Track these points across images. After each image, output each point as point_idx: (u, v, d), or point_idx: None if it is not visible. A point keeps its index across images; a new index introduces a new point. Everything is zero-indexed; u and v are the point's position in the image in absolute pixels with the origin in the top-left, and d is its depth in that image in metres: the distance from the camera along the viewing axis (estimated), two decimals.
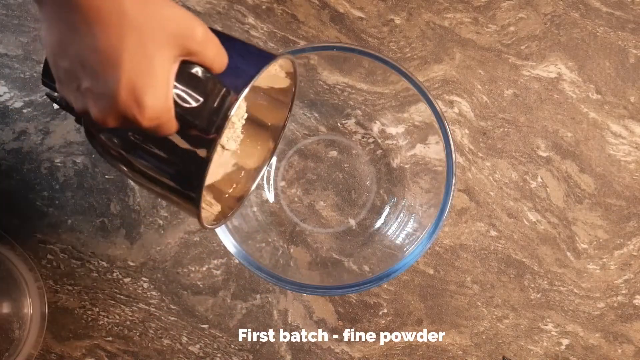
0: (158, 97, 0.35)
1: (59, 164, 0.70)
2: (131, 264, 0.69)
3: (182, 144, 0.40)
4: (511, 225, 0.69)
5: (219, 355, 0.68)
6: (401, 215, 0.67)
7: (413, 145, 0.66)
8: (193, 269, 0.69)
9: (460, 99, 0.71)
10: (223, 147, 0.50)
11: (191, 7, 0.71)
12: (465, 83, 0.71)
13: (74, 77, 0.35)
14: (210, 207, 0.51)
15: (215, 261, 0.69)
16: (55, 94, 0.40)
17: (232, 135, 0.50)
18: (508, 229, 0.69)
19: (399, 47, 0.71)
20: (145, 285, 0.69)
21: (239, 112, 0.50)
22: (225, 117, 0.38)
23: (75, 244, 0.69)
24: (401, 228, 0.66)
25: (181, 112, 0.37)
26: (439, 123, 0.59)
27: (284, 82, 0.51)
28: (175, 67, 0.36)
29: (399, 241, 0.64)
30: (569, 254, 0.69)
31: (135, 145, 0.42)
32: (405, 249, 0.60)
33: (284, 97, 0.52)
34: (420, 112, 0.61)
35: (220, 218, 0.51)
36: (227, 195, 0.54)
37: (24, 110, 0.70)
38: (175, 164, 0.42)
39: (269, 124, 0.54)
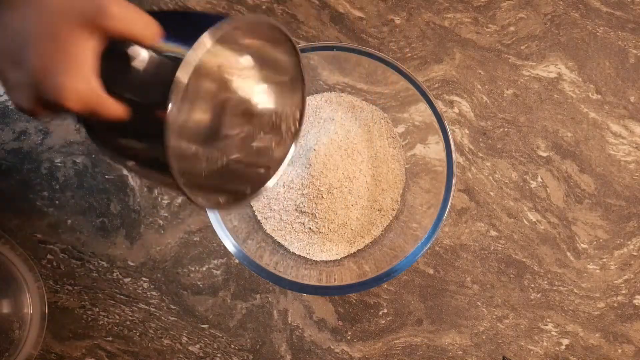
0: (78, 78, 0.34)
1: (59, 164, 0.70)
2: (131, 264, 0.69)
3: (145, 124, 0.37)
4: (511, 225, 0.69)
5: (219, 355, 0.68)
6: (401, 215, 0.67)
7: (413, 145, 0.66)
8: (193, 269, 0.69)
9: (460, 99, 0.71)
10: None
11: (191, 7, 0.71)
12: (465, 83, 0.71)
13: (2, 73, 0.34)
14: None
15: (215, 261, 0.69)
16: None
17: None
18: (508, 229, 0.69)
19: (399, 47, 0.71)
20: (145, 285, 0.69)
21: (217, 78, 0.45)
22: (170, 87, 0.34)
23: (75, 244, 0.69)
24: (401, 228, 0.66)
25: (123, 93, 0.35)
26: (439, 123, 0.59)
27: (281, 59, 0.46)
28: (96, 47, 0.34)
29: (399, 241, 0.64)
30: (569, 254, 0.69)
31: (122, 135, 0.39)
32: (405, 249, 0.60)
33: (290, 77, 0.47)
34: (420, 112, 0.61)
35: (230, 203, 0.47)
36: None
37: None
38: (150, 146, 0.39)
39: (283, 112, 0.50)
